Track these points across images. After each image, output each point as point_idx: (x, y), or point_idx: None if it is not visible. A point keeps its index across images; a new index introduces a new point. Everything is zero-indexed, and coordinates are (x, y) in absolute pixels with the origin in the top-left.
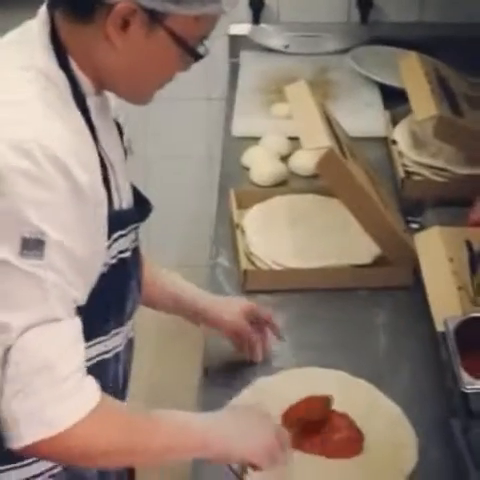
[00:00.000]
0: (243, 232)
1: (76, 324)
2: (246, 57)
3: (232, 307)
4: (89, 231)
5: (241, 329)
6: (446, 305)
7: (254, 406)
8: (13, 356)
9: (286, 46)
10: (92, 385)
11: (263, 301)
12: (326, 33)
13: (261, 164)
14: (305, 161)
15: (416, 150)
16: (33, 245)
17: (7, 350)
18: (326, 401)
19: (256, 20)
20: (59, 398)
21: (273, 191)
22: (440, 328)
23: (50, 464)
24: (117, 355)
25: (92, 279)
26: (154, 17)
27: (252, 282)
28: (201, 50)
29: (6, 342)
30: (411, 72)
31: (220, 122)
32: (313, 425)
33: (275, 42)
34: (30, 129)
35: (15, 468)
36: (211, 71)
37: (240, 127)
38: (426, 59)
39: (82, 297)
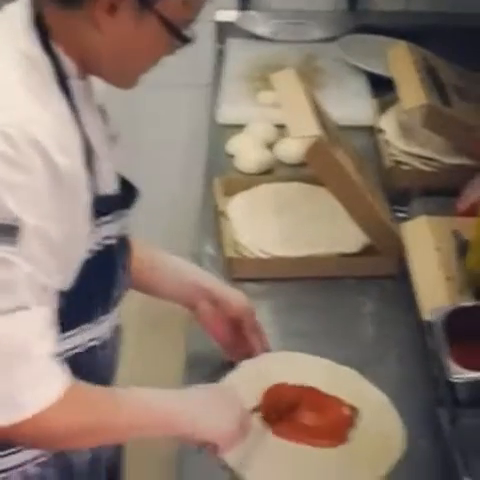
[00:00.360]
0: (228, 220)
1: (46, 311)
2: (232, 44)
3: (240, 293)
4: (68, 216)
5: (246, 313)
6: (433, 295)
7: (224, 387)
8: None
9: (273, 33)
10: (61, 369)
11: (249, 289)
12: (313, 21)
13: (246, 152)
14: (291, 149)
15: (403, 139)
16: (6, 231)
17: None
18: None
19: (244, 7)
20: (29, 382)
21: (259, 179)
22: (427, 317)
23: (37, 452)
24: (104, 342)
25: (72, 265)
26: (143, 1)
27: (238, 270)
28: (188, 34)
29: None
30: (399, 61)
31: (205, 109)
32: (288, 410)
33: (262, 29)
34: (11, 114)
35: (1, 456)
36: (197, 58)
37: (226, 114)
38: (415, 48)
39: (60, 284)
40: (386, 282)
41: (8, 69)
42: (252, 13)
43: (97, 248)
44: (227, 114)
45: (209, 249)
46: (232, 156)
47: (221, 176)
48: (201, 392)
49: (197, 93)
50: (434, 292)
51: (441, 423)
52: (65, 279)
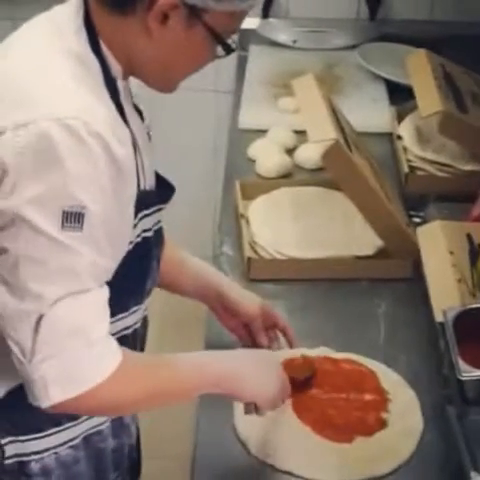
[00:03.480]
0: (248, 222)
1: (105, 291)
2: (254, 51)
3: (253, 299)
4: (123, 205)
5: (254, 320)
6: (446, 296)
7: (268, 353)
8: (46, 323)
9: (294, 41)
10: (116, 345)
11: (266, 290)
12: (334, 29)
13: (267, 156)
14: (310, 155)
15: (420, 146)
16: (74, 218)
17: (40, 318)
18: (308, 361)
19: (265, 14)
20: (90, 360)
21: (278, 183)
22: (439, 319)
23: (70, 435)
24: (135, 331)
25: (122, 253)
26: (194, 12)
27: (256, 271)
28: (232, 44)
29: (39, 311)
30: (418, 68)
31: (226, 114)
32: (299, 384)
33: (283, 37)
34: (70, 107)
35: (36, 438)
36: (219, 64)
37: (247, 119)
38: (433, 56)
39: (112, 269)
40: (400, 285)
41: (60, 66)
42: (273, 21)
43: (136, 240)
44: (248, 119)
45: (228, 250)
46: (252, 160)
47: (241, 180)
48: (248, 355)
49: (219, 99)
50: (446, 294)
51: (450, 420)
52: (115, 266)
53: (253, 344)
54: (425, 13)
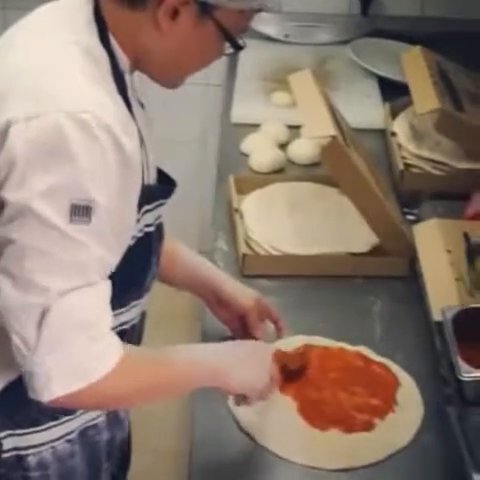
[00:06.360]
0: (242, 217)
1: (108, 285)
2: (246, 45)
3: (247, 292)
4: (129, 198)
5: (249, 313)
6: (443, 295)
7: (258, 344)
8: (51, 317)
9: (286, 35)
10: (118, 340)
11: (260, 286)
12: (326, 24)
13: (260, 151)
14: (303, 150)
15: (415, 143)
16: (82, 211)
17: (45, 311)
18: (302, 351)
19: None
20: (95, 354)
21: (272, 178)
22: (437, 317)
23: (67, 429)
24: (133, 327)
25: (125, 248)
26: (204, 9)
27: (250, 267)
28: (241, 42)
29: (44, 303)
30: (413, 65)
31: (216, 108)
32: (293, 374)
33: (275, 31)
34: (82, 99)
35: (33, 432)
36: None
37: (239, 114)
38: (428, 53)
39: (115, 263)
40: (395, 282)
41: (70, 59)
42: (266, 15)
43: (138, 235)
44: (241, 114)
45: (222, 245)
46: (245, 155)
47: (235, 174)
48: (238, 347)
49: (208, 92)
50: (444, 293)
51: (450, 421)
52: (116, 262)
53: (247, 336)
54: (416, 9)
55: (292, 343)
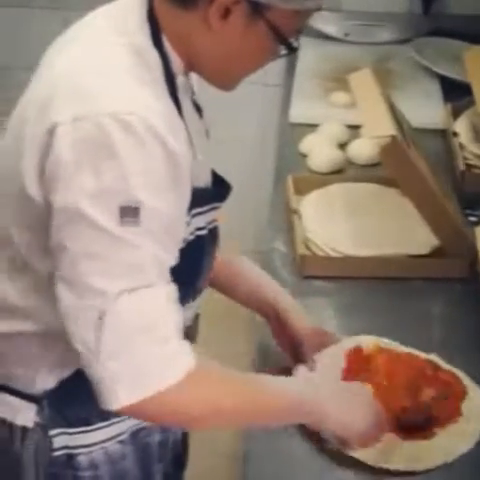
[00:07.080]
0: (300, 218)
1: (171, 288)
2: (305, 43)
3: (305, 319)
4: (178, 200)
5: (300, 341)
6: None
7: (359, 385)
8: (109, 320)
9: (346, 34)
10: (189, 348)
11: (318, 287)
12: (387, 23)
13: (319, 151)
14: (363, 150)
15: (477, 143)
16: (131, 213)
17: (102, 314)
18: (426, 407)
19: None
20: (161, 358)
21: (331, 178)
22: None
23: (118, 430)
24: (186, 329)
25: (179, 246)
26: (256, 9)
27: (308, 267)
28: (295, 43)
29: (101, 307)
30: (476, 64)
31: (275, 107)
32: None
33: (335, 30)
34: (127, 102)
35: (84, 432)
36: None
37: (298, 113)
38: None
39: (172, 262)
40: (455, 285)
41: (118, 61)
42: (325, 13)
43: (189, 238)
44: (299, 113)
45: (279, 246)
46: (304, 155)
47: (294, 174)
48: (334, 387)
49: (267, 92)
50: None
51: None
52: (172, 264)
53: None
54: (479, 8)
55: (361, 342)
